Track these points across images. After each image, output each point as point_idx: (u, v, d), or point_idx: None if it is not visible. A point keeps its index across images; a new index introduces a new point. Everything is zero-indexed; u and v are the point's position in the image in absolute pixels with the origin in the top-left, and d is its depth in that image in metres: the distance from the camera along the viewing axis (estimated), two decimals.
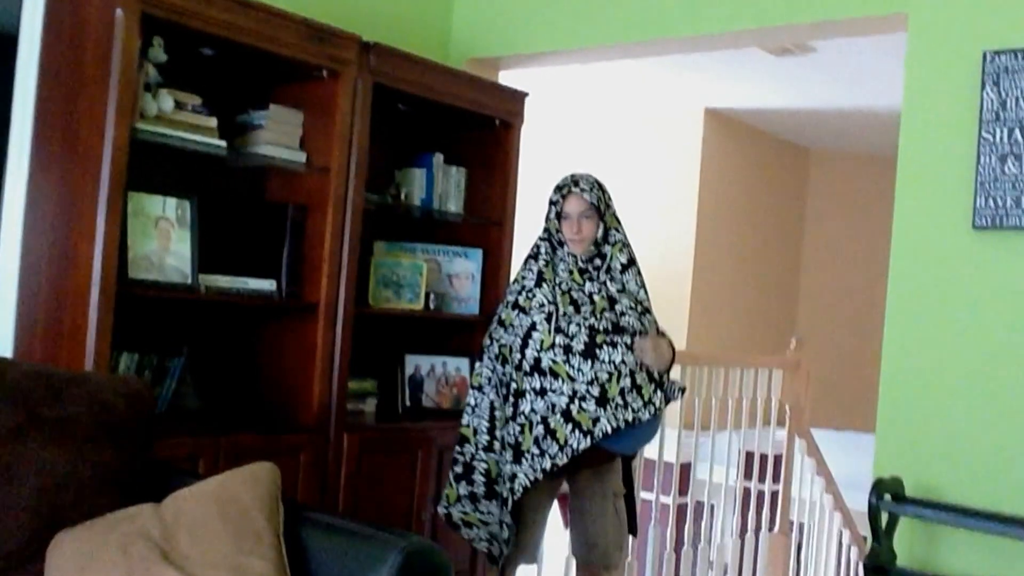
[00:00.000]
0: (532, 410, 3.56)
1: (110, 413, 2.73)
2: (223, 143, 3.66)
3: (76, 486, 2.62)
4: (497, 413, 3.70)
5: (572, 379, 3.53)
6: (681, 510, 5.68)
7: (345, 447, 3.90)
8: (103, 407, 2.73)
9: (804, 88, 7.26)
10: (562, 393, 3.53)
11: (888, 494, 3.65)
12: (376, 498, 4.00)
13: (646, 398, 3.58)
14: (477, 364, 3.77)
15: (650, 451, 4.60)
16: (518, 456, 3.56)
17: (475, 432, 3.73)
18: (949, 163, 3.78)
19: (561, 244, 3.73)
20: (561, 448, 3.51)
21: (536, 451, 3.53)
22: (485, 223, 4.64)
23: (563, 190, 3.73)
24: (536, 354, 3.57)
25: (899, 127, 3.92)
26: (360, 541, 2.61)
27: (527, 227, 4.10)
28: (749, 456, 5.59)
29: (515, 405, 3.60)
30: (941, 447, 3.77)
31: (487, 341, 3.75)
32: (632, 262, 3.81)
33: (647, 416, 3.58)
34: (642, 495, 5.09)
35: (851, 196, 9.14)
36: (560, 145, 8.34)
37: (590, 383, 3.52)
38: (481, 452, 3.72)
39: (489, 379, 3.72)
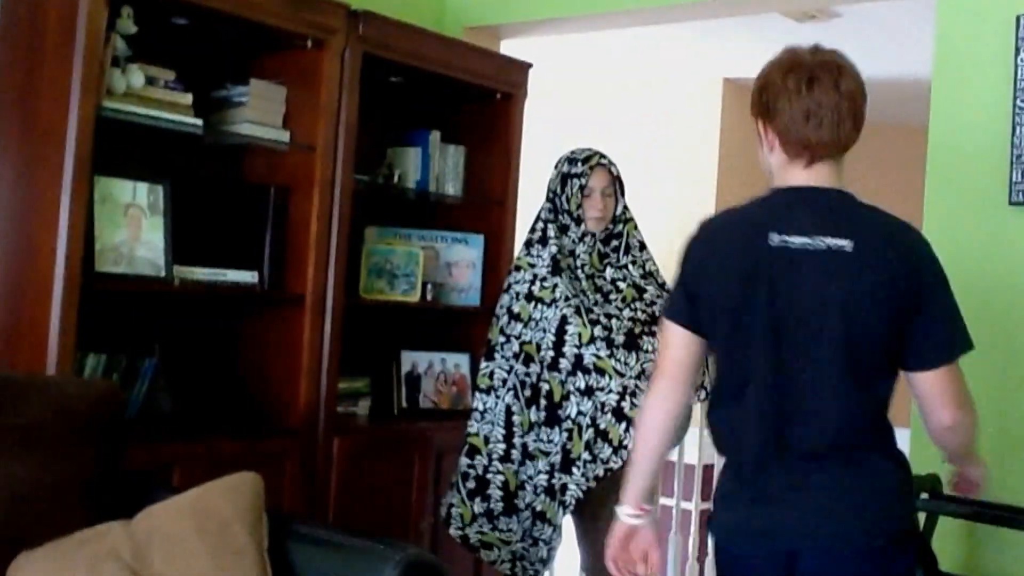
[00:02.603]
0: (580, 412, 3.53)
1: (75, 420, 2.70)
2: (199, 121, 3.61)
3: (39, 501, 2.58)
4: (516, 418, 3.65)
5: (620, 374, 3.51)
6: (704, 516, 5.62)
7: (335, 452, 3.85)
8: (68, 413, 2.69)
9: None
10: (611, 390, 3.50)
11: (925, 492, 3.60)
12: (370, 507, 3.95)
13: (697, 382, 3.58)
14: (484, 363, 3.72)
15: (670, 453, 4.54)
16: (567, 465, 3.53)
17: (487, 441, 3.68)
18: (983, 134, 3.74)
19: (578, 222, 3.69)
20: (615, 450, 3.48)
21: (588, 456, 3.51)
22: (486, 205, 4.60)
23: (589, 162, 3.71)
24: (576, 351, 3.54)
25: (929, 96, 3.87)
26: (353, 555, 2.60)
27: (531, 208, 4.05)
28: None
29: (552, 409, 3.56)
30: (981, 440, 3.72)
31: (499, 338, 3.70)
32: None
33: (700, 400, 3.53)
34: (662, 500, 5.05)
35: (879, 169, 9.10)
36: (565, 119, 8.30)
37: (638, 376, 3.51)
38: (496, 463, 3.67)
39: (504, 380, 3.67)
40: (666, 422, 2.57)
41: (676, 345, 2.54)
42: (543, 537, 3.62)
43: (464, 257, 4.56)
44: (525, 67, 4.63)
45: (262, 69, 3.91)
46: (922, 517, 3.64)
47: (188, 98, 3.59)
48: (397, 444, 4.14)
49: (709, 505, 5.21)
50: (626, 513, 2.67)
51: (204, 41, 3.84)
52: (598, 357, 3.52)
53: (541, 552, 3.67)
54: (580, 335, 3.54)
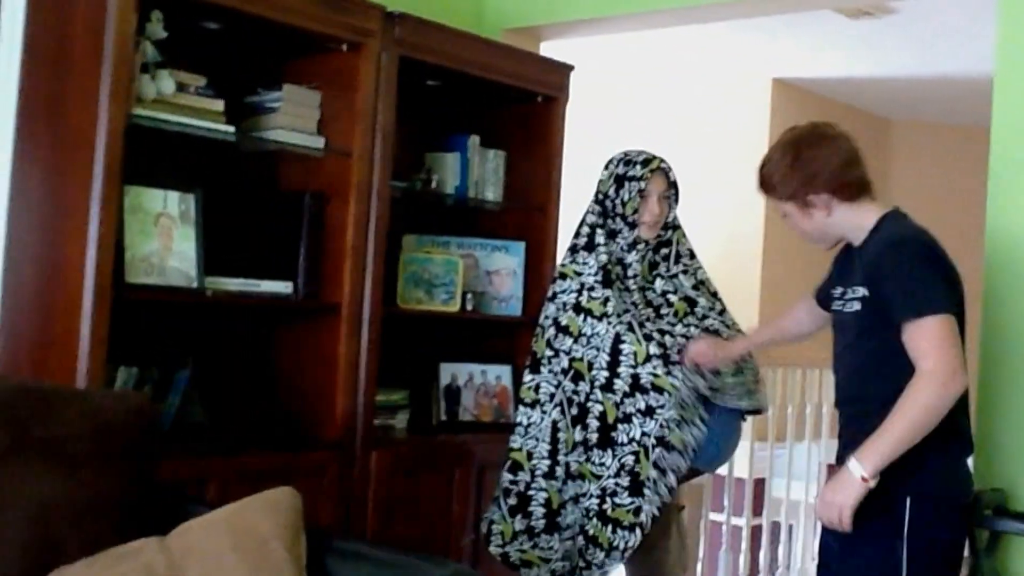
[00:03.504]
0: (644, 433, 3.53)
1: (109, 433, 2.71)
2: (231, 128, 3.64)
3: (71, 516, 2.59)
4: (561, 435, 3.65)
5: (676, 389, 3.53)
6: (755, 532, 5.59)
7: (373, 466, 3.86)
8: (101, 426, 2.70)
9: (883, 53, 7.23)
10: (670, 408, 3.52)
11: (989, 509, 3.59)
12: (409, 522, 3.97)
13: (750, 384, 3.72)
14: (529, 375, 3.72)
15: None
16: (637, 487, 3.53)
17: (530, 456, 3.68)
18: None
19: (631, 227, 3.68)
20: (691, 458, 3.57)
21: (656, 474, 3.52)
22: (527, 210, 4.60)
23: (649, 165, 3.70)
24: (632, 370, 3.54)
25: (991, 94, 3.84)
26: (394, 571, 2.61)
27: (573, 215, 4.04)
28: (832, 470, 5.50)
29: (604, 431, 3.56)
30: None
31: (546, 351, 3.70)
32: None
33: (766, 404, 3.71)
34: (711, 516, 5.03)
35: (938, 170, 9.04)
36: (607, 122, 8.27)
37: (694, 389, 3.57)
38: (540, 479, 3.67)
39: (551, 395, 3.67)
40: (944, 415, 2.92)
41: (958, 337, 2.95)
42: (595, 562, 3.60)
43: (504, 265, 4.55)
44: (566, 69, 4.62)
45: (296, 73, 3.93)
46: (985, 535, 3.62)
47: (220, 104, 3.61)
48: (437, 458, 4.15)
49: (760, 520, 5.20)
50: (865, 475, 2.92)
51: (236, 45, 3.86)
52: (655, 375, 3.52)
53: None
54: (636, 354, 3.54)
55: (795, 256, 8.22)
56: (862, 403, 3.13)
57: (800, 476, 5.34)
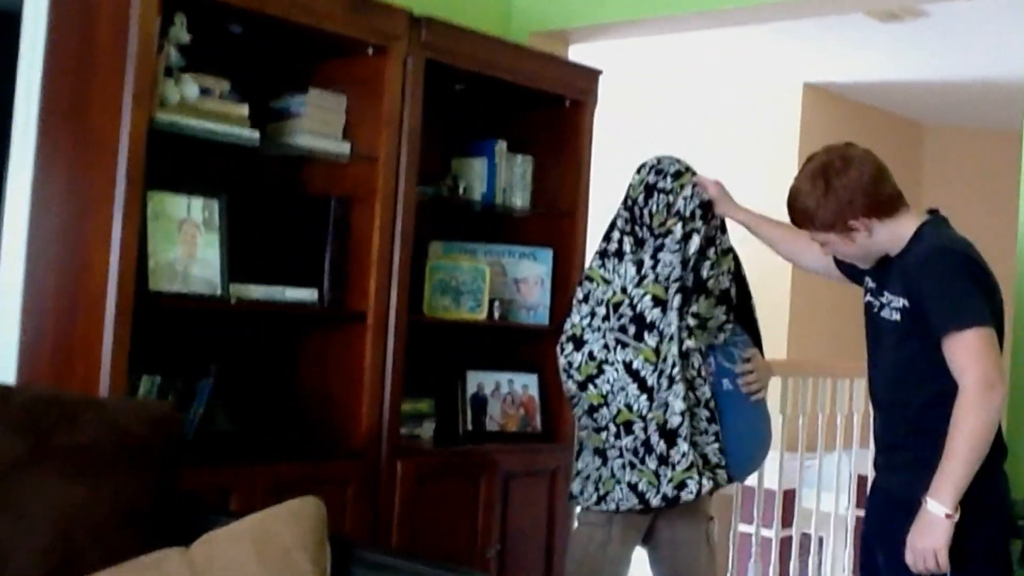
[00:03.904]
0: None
1: (131, 441, 2.72)
2: (255, 133, 3.64)
3: (93, 525, 2.60)
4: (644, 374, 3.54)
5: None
6: (784, 544, 5.57)
7: (399, 475, 3.87)
8: (123, 435, 2.71)
9: (915, 57, 7.21)
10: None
11: (1022, 519, 3.58)
12: (434, 533, 3.97)
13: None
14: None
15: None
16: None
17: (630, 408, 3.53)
18: None
19: (656, 238, 3.57)
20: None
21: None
22: (554, 217, 4.60)
23: (680, 178, 3.63)
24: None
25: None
26: None
27: (602, 220, 4.02)
28: (863, 481, 5.47)
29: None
30: None
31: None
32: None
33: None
34: (740, 527, 5.02)
35: (972, 175, 9.01)
36: (635, 126, 8.26)
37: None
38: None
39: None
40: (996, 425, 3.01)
41: (997, 348, 3.00)
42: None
43: (532, 273, 4.55)
44: (595, 73, 4.62)
45: (321, 77, 3.94)
46: (1020, 545, 3.61)
47: (244, 109, 3.62)
48: (463, 468, 4.15)
49: (790, 532, 5.18)
50: (948, 511, 2.95)
51: (260, 49, 3.88)
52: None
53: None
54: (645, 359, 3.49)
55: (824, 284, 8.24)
56: (901, 408, 3.17)
57: (831, 487, 5.31)
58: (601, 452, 3.56)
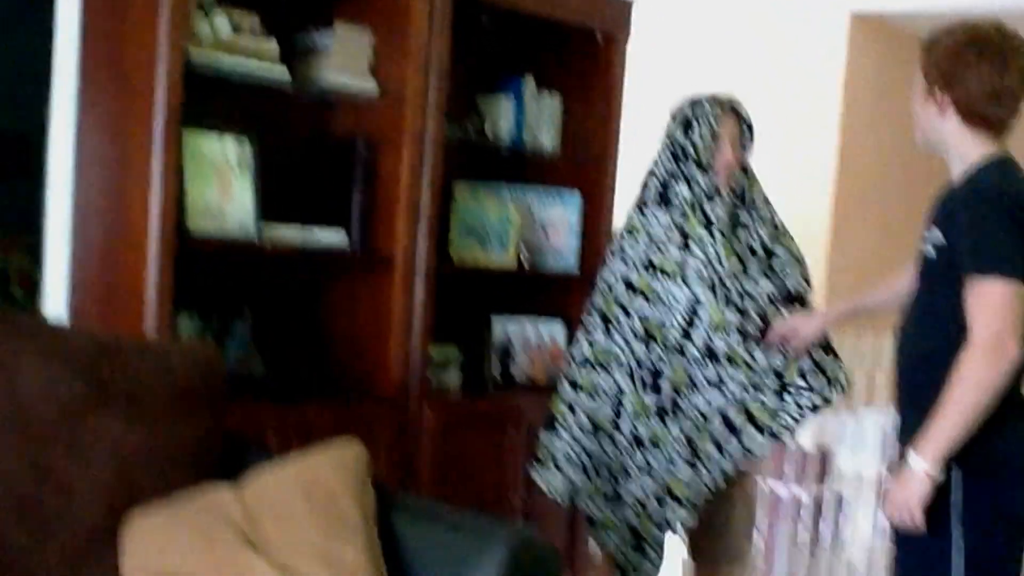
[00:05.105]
0: (708, 403, 3.83)
1: (181, 384, 3.13)
2: (286, 71, 3.96)
3: (150, 462, 3.02)
4: (627, 400, 3.93)
5: (750, 368, 3.81)
6: (817, 504, 5.80)
7: (427, 421, 4.22)
8: (174, 377, 3.12)
9: None
10: (739, 382, 3.82)
11: None
12: (462, 480, 4.32)
13: (831, 375, 3.90)
14: (598, 336, 3.98)
15: None
16: (694, 461, 3.84)
17: (602, 420, 3.99)
18: None
19: (705, 171, 3.87)
20: (745, 450, 3.83)
21: (714, 452, 3.84)
22: (583, 159, 4.85)
23: (723, 105, 3.90)
24: (706, 338, 3.82)
25: None
26: (459, 531, 2.96)
27: (633, 164, 4.24)
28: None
29: (670, 397, 3.87)
30: None
31: (617, 311, 3.94)
32: None
33: (834, 397, 3.88)
34: (772, 485, 5.35)
35: None
36: (668, 63, 8.26)
37: (765, 372, 3.82)
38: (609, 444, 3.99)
39: (621, 359, 3.94)
40: (1000, 391, 3.05)
41: (1020, 305, 3.03)
42: (650, 533, 3.97)
43: (560, 217, 4.80)
44: (627, 5, 4.82)
45: (346, 11, 4.20)
46: None
47: (274, 45, 3.92)
48: (489, 417, 4.49)
49: (825, 491, 5.43)
50: (927, 469, 3.08)
51: None
52: (730, 347, 3.79)
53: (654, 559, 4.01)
54: (712, 320, 3.80)
55: (870, 214, 8.41)
56: (922, 361, 3.26)
57: (868, 446, 5.57)
58: None
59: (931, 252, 3.22)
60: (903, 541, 3.29)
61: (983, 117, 3.19)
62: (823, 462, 5.57)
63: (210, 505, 2.94)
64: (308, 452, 3.09)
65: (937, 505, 3.12)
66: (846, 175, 8.21)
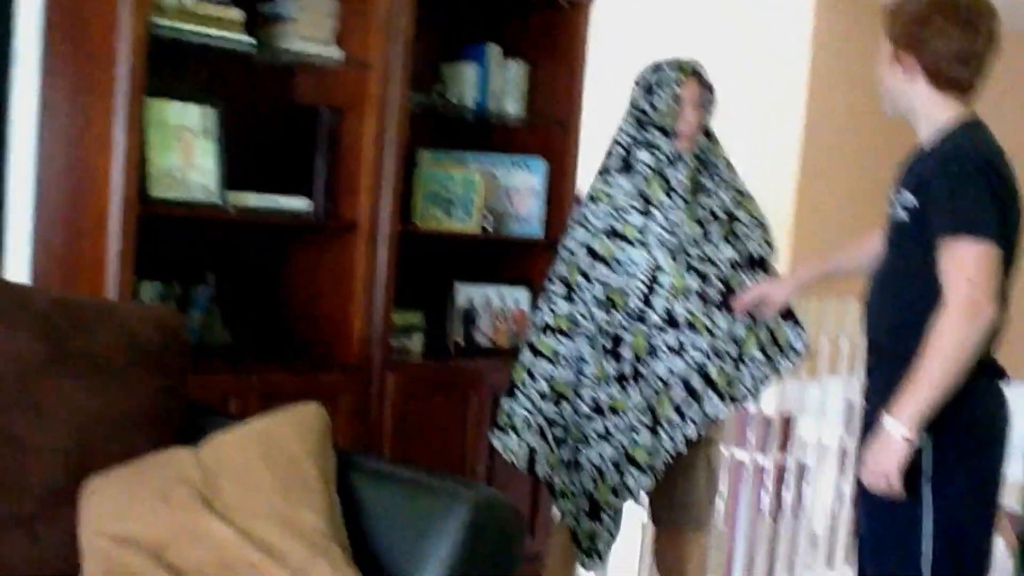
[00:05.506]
0: (670, 371, 3.87)
1: (142, 347, 3.12)
2: (251, 40, 3.96)
3: (109, 426, 3.01)
4: (588, 369, 3.96)
5: (712, 333, 3.86)
6: (779, 472, 5.82)
7: (390, 387, 4.24)
8: (134, 340, 3.12)
9: None
10: (700, 348, 3.85)
11: None
12: (424, 446, 4.34)
13: (786, 343, 3.95)
14: (559, 303, 3.99)
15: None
16: (655, 428, 3.88)
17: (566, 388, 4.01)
18: None
19: (667, 135, 3.89)
20: (706, 415, 3.88)
21: (676, 418, 3.87)
22: (549, 126, 4.87)
23: (685, 70, 3.92)
24: (667, 304, 3.85)
25: None
26: (421, 492, 2.94)
27: (596, 132, 4.25)
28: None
29: (633, 364, 3.90)
30: None
31: (578, 278, 3.96)
32: None
33: (788, 366, 3.95)
34: (735, 452, 5.38)
35: (1012, 83, 9.12)
36: (633, 30, 8.13)
37: (726, 339, 3.87)
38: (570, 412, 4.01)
39: (583, 326, 3.95)
40: (975, 353, 3.07)
41: (994, 268, 3.06)
42: (607, 499, 4.00)
43: (525, 183, 4.82)
44: None
45: None
46: None
47: (237, 13, 3.92)
48: (453, 381, 4.52)
49: (786, 457, 5.48)
50: (905, 433, 3.09)
51: None
52: (691, 313, 3.83)
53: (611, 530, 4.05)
54: (674, 286, 3.84)
55: (837, 175, 8.41)
56: (893, 324, 3.28)
57: (831, 414, 5.60)
58: None
59: (902, 215, 3.23)
60: (871, 507, 3.30)
61: (951, 79, 3.21)
62: (786, 429, 5.63)
63: (169, 468, 2.93)
64: (268, 415, 3.09)
65: (907, 470, 3.13)
66: (812, 140, 8.27)
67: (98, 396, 3.01)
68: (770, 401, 5.34)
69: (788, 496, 5.50)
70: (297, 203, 4.14)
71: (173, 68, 3.91)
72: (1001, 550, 3.62)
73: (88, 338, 3.04)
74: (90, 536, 2.84)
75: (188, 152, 3.83)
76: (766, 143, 8.15)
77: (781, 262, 4.18)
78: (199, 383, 3.46)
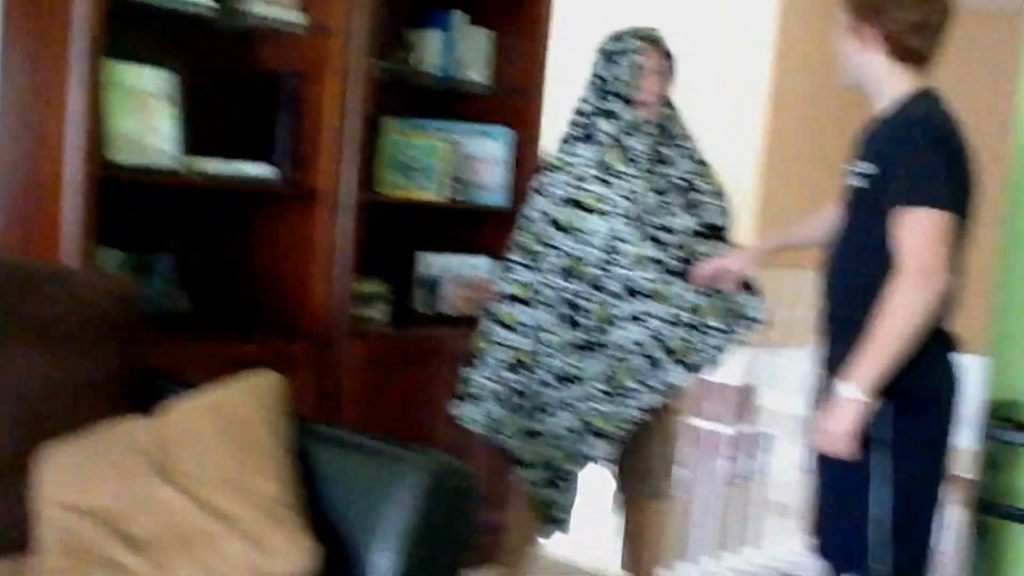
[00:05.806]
0: (632, 340, 3.87)
1: (96, 314, 3.09)
2: (213, 3, 3.92)
3: (60, 394, 2.99)
4: (548, 337, 3.95)
5: (671, 302, 3.86)
6: (740, 442, 5.91)
7: (352, 356, 4.23)
8: (88, 307, 3.08)
9: None
10: (659, 317, 3.85)
11: (1007, 421, 3.76)
12: (386, 415, 4.34)
13: (743, 312, 3.97)
14: (521, 271, 3.99)
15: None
16: (613, 396, 3.89)
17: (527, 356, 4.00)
18: None
19: (628, 103, 3.90)
20: (665, 383, 3.89)
21: (635, 385, 3.88)
22: (513, 94, 4.86)
23: (645, 38, 3.93)
24: (627, 272, 3.85)
25: None
26: (378, 459, 2.93)
27: (559, 101, 4.25)
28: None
29: (591, 332, 3.90)
30: None
31: (537, 246, 3.95)
32: None
33: (743, 335, 3.96)
34: (695, 421, 5.40)
35: (965, 58, 9.19)
36: (597, 4, 8.32)
37: (683, 307, 3.87)
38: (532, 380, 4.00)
39: (543, 293, 3.95)
40: (928, 320, 3.10)
41: (948, 236, 3.10)
42: (566, 466, 4.02)
43: (490, 152, 4.80)
44: None
45: None
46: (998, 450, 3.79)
47: None
48: (414, 351, 4.50)
49: (747, 427, 5.51)
50: (860, 396, 3.13)
51: None
52: (650, 280, 3.83)
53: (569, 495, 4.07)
54: (635, 255, 3.84)
55: (802, 144, 8.46)
56: (850, 291, 3.30)
57: (790, 384, 5.64)
58: None
59: (860, 183, 3.26)
60: (828, 473, 3.34)
61: (909, 50, 3.25)
62: (745, 399, 5.64)
63: (123, 437, 2.91)
64: (223, 383, 3.06)
65: (864, 437, 3.18)
66: (778, 110, 8.29)
67: (49, 364, 2.98)
68: (730, 372, 5.34)
69: (748, 465, 5.49)
70: (259, 170, 4.11)
71: (134, 31, 3.85)
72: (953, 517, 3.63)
73: (39, 305, 3.01)
74: (43, 505, 2.82)
75: (147, 116, 3.79)
76: (731, 114, 8.15)
77: (746, 232, 4.17)
78: (159, 352, 3.45)
